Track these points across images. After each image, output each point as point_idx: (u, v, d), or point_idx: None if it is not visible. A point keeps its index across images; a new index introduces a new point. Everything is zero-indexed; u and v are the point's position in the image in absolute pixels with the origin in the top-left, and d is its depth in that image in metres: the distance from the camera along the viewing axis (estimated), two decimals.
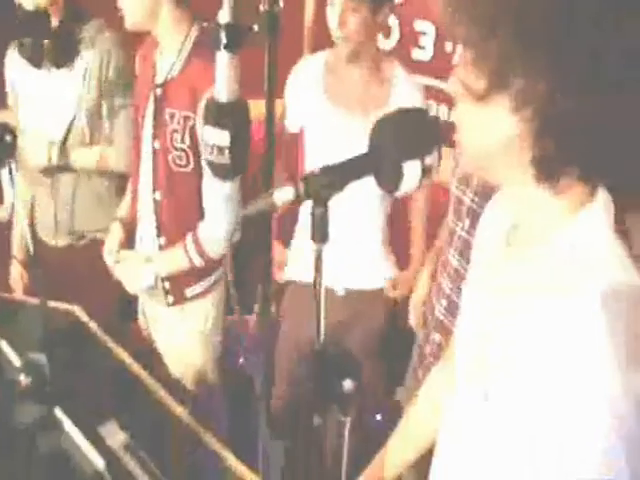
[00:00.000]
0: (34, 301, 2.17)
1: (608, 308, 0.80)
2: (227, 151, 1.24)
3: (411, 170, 0.83)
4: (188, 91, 1.81)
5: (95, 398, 1.79)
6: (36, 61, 2.19)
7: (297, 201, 0.80)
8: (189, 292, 2.05)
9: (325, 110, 2.14)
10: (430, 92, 2.89)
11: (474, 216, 1.54)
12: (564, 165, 0.83)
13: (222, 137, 1.24)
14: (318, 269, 0.81)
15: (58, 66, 2.22)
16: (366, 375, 0.90)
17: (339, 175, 0.82)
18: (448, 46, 2.75)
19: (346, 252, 2.05)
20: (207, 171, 1.81)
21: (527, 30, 0.76)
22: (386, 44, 2.98)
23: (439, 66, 2.80)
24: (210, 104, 1.26)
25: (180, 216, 1.96)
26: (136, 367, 1.97)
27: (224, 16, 1.21)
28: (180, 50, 1.86)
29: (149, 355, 2.26)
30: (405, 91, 2.10)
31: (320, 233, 0.79)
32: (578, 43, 0.75)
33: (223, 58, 1.22)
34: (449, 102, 2.80)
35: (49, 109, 2.27)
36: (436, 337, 1.72)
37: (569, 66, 0.76)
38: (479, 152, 0.89)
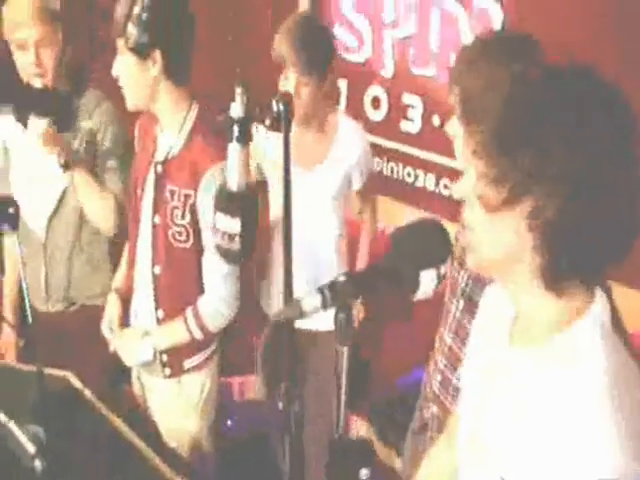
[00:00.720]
0: (27, 367, 2.18)
1: (609, 397, 0.86)
2: (237, 238, 1.30)
3: (427, 279, 0.90)
4: (189, 169, 1.86)
5: (90, 466, 1.79)
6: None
7: (323, 307, 0.85)
8: (187, 364, 2.06)
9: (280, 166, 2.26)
10: (418, 162, 3.00)
11: (468, 299, 1.59)
12: (571, 274, 0.90)
13: (233, 224, 1.29)
14: (341, 371, 0.84)
15: None
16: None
17: (363, 284, 0.88)
18: (436, 120, 2.85)
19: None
20: (208, 248, 1.87)
21: (548, 153, 0.84)
22: (375, 115, 3.09)
23: (427, 138, 2.91)
24: (221, 192, 1.32)
25: (179, 290, 1.99)
26: (130, 434, 1.98)
27: (236, 110, 1.28)
28: (180, 129, 1.91)
29: (143, 420, 2.26)
30: (347, 136, 2.33)
31: (344, 336, 0.84)
32: (587, 164, 0.84)
33: (235, 150, 1.28)
34: (437, 172, 2.90)
35: (41, 176, 2.28)
36: (434, 410, 1.76)
37: (579, 182, 0.84)
38: (488, 256, 0.95)
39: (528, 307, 0.98)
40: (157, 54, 1.82)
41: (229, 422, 3.13)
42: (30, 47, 2.13)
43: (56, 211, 2.32)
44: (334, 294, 0.86)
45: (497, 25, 2.63)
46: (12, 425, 1.63)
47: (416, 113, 2.94)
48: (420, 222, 0.96)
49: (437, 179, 2.91)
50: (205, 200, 1.81)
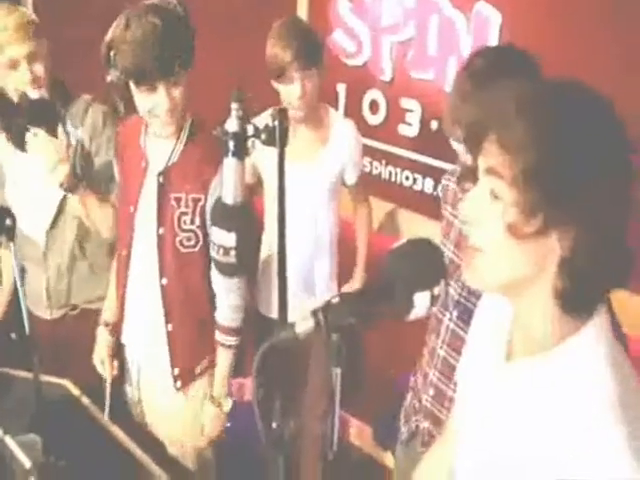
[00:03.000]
0: (24, 374, 2.18)
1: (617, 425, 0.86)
2: (233, 252, 1.30)
3: (421, 300, 0.90)
4: (195, 174, 1.86)
5: (87, 474, 1.80)
6: (21, 146, 2.14)
7: (317, 330, 0.86)
8: (198, 369, 2.08)
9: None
10: (416, 166, 2.99)
11: (462, 309, 1.59)
12: (594, 299, 0.91)
13: (228, 238, 1.30)
14: (335, 393, 0.84)
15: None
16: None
17: (356, 305, 0.89)
18: (434, 124, 2.85)
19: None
20: None
21: (589, 183, 0.84)
22: (374, 119, 3.09)
23: (425, 142, 2.91)
24: (217, 206, 1.32)
25: (188, 299, 1.99)
26: (128, 440, 1.98)
27: (232, 125, 1.28)
28: (178, 136, 1.90)
29: (140, 425, 2.26)
30: (340, 132, 2.43)
31: (337, 358, 0.84)
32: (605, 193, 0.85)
33: (230, 164, 1.29)
34: (436, 175, 2.90)
35: (38, 187, 2.25)
36: (426, 425, 1.75)
37: (610, 209, 0.86)
38: (504, 279, 0.93)
39: (531, 320, 0.97)
40: None
41: (228, 424, 3.14)
42: (22, 63, 2.13)
43: (55, 221, 2.32)
44: (328, 316, 0.86)
45: (495, 29, 2.62)
46: (8, 440, 1.64)
47: (414, 117, 2.94)
48: (414, 242, 0.95)
49: (435, 183, 2.91)
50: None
